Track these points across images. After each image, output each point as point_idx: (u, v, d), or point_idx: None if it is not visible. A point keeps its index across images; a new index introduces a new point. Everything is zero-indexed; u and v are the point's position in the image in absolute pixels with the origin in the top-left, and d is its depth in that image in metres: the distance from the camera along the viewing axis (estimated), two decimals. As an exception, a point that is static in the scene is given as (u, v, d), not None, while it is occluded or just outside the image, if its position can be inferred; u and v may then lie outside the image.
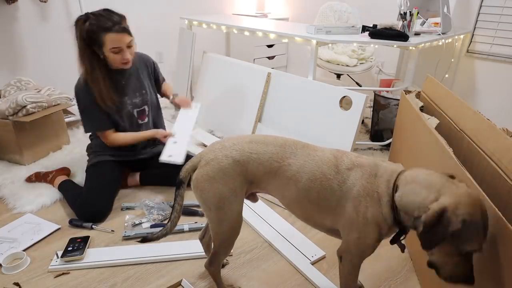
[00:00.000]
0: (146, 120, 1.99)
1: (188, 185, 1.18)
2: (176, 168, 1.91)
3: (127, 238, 1.67)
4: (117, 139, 1.89)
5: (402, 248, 1.11)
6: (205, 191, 1.12)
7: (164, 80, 2.15)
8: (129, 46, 1.73)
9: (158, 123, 2.11)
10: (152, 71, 2.03)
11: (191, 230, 1.73)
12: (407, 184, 0.97)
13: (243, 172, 1.12)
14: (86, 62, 1.72)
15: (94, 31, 1.64)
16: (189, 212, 1.86)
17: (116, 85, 1.84)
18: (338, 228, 1.11)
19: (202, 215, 1.83)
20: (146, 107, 1.97)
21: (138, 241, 1.30)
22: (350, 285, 1.16)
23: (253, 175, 1.14)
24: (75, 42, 1.70)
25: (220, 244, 1.21)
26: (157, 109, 2.09)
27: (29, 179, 2.07)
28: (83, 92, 1.77)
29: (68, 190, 1.93)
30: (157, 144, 2.10)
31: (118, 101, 1.83)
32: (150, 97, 1.98)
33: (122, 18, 1.71)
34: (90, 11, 1.69)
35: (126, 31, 1.71)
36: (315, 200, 1.09)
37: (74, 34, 1.68)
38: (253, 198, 1.30)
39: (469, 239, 0.86)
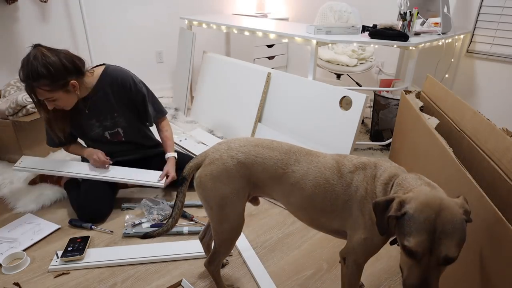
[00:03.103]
0: (123, 139, 1.94)
1: (190, 184, 1.17)
2: (177, 169, 1.93)
3: (127, 236, 1.67)
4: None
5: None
6: (207, 190, 1.13)
7: (160, 116, 1.99)
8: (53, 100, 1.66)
9: (142, 142, 2.02)
10: (128, 95, 1.85)
11: (190, 233, 1.72)
12: (395, 187, 0.99)
13: (247, 174, 1.13)
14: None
15: None
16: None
17: (80, 113, 1.82)
18: (346, 230, 1.11)
19: (190, 219, 1.82)
20: (119, 129, 1.90)
21: (140, 237, 1.31)
22: (353, 286, 1.16)
23: (257, 179, 1.14)
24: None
25: (220, 243, 1.21)
26: (139, 129, 1.98)
27: (33, 182, 2.03)
28: None
29: (71, 189, 1.92)
30: (147, 148, 2.06)
31: (78, 127, 1.87)
32: (125, 119, 1.88)
33: None
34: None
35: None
36: (320, 206, 1.10)
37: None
38: (255, 201, 1.30)
39: (407, 233, 0.84)
